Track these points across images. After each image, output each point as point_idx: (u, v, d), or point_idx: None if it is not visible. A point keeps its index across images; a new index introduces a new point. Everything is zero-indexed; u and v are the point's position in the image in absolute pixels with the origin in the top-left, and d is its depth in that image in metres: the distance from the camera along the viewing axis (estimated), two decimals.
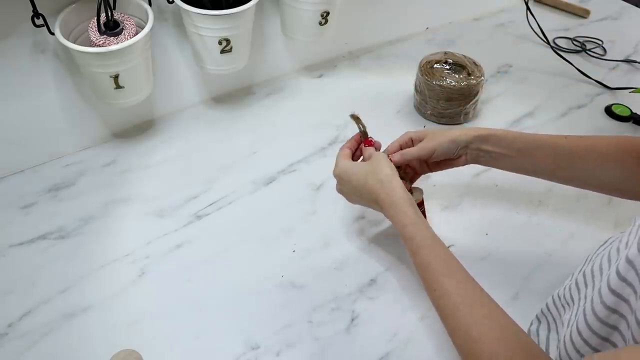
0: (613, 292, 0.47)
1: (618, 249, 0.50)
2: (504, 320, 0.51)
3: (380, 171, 0.64)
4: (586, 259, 0.59)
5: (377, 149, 0.72)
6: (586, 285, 0.54)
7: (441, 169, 0.72)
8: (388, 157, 0.68)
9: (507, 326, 0.51)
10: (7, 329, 0.64)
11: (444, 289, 0.54)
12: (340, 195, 0.73)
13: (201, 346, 0.64)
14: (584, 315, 0.51)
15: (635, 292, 0.45)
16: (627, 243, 0.48)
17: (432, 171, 0.74)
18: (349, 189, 0.69)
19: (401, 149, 0.71)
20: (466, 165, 0.70)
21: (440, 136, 0.69)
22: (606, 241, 0.58)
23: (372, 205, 0.66)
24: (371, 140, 0.71)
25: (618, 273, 0.46)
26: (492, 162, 0.69)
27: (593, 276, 0.53)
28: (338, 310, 0.68)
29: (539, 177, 0.69)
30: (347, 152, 0.71)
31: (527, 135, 0.68)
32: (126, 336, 0.64)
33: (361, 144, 0.72)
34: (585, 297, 0.52)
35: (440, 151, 0.68)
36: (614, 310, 0.47)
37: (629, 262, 0.45)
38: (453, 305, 0.53)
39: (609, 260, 0.51)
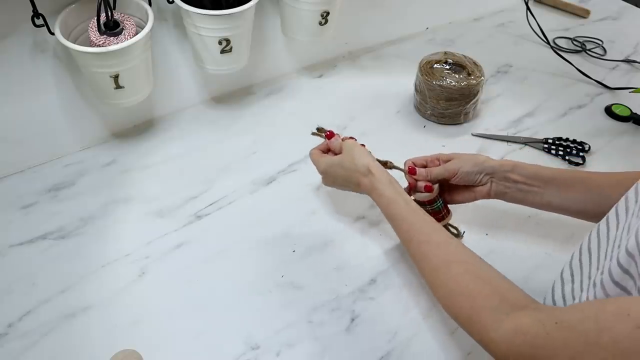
0: (617, 284, 0.46)
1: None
2: (483, 273, 0.53)
3: (356, 158, 0.67)
4: (589, 253, 0.59)
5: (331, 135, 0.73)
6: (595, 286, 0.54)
7: (465, 200, 0.71)
8: (409, 172, 0.70)
9: (486, 278, 0.53)
10: (7, 329, 0.64)
11: (424, 253, 0.58)
12: (340, 195, 0.72)
13: (201, 346, 0.64)
14: None
15: (635, 284, 0.44)
16: (627, 229, 0.48)
17: (454, 202, 0.73)
18: (334, 181, 0.71)
19: (426, 165, 0.72)
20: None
21: (465, 158, 0.69)
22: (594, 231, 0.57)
23: (358, 191, 0.69)
24: (332, 132, 0.73)
25: (620, 265, 0.46)
26: (519, 195, 0.68)
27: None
28: (338, 310, 0.68)
29: (570, 214, 0.67)
30: (318, 151, 0.74)
31: (554, 168, 0.67)
32: (126, 336, 0.64)
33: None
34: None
35: (463, 172, 0.68)
36: None
37: (629, 254, 0.45)
38: (433, 266, 0.56)
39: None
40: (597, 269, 0.51)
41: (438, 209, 0.71)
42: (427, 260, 0.57)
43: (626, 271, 0.46)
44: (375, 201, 0.66)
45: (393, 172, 0.69)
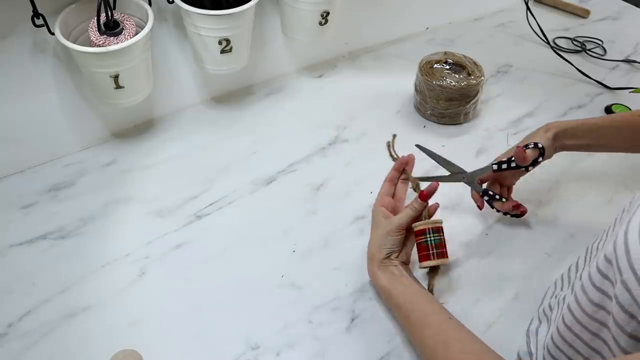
0: (598, 289, 0.47)
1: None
2: (479, 349, 0.55)
3: (370, 246, 0.68)
4: (585, 259, 0.59)
5: (430, 191, 0.67)
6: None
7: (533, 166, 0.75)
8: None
9: (482, 354, 0.55)
10: (7, 329, 0.64)
11: (423, 337, 0.59)
12: (340, 195, 0.72)
13: (201, 346, 0.64)
14: (569, 309, 0.51)
15: (614, 289, 0.45)
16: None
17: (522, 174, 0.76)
18: (371, 226, 0.71)
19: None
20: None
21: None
22: (599, 238, 0.58)
23: (369, 253, 0.68)
24: (427, 195, 0.67)
25: (599, 270, 0.47)
26: (573, 149, 0.75)
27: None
28: (338, 310, 0.68)
29: (614, 152, 0.77)
30: (386, 188, 0.73)
31: (602, 120, 0.73)
32: (126, 336, 0.64)
33: (401, 176, 0.75)
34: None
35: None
36: (601, 307, 0.47)
37: (607, 259, 0.46)
38: (431, 349, 0.57)
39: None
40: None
41: (439, 241, 0.66)
42: (426, 344, 0.58)
43: (605, 276, 0.46)
44: (376, 281, 0.66)
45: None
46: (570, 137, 0.72)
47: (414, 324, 0.60)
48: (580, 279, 0.54)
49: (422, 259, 0.66)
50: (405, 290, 0.62)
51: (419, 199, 0.67)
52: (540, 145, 0.70)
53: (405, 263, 0.67)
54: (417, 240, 0.67)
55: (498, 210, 0.75)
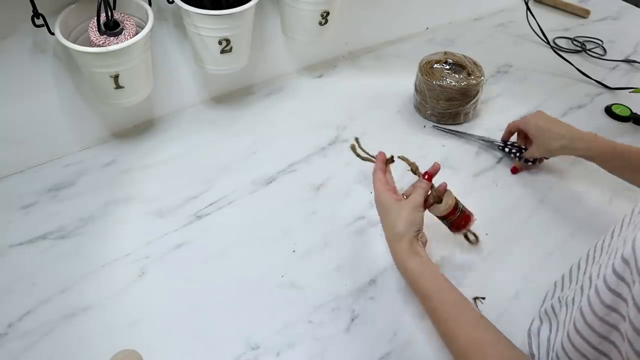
0: (612, 290, 0.47)
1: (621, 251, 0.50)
2: (511, 353, 0.55)
3: (397, 225, 0.65)
4: (587, 258, 0.59)
5: (434, 172, 0.69)
6: (590, 287, 0.54)
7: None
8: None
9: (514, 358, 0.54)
10: (7, 329, 0.64)
11: (454, 334, 0.58)
12: (340, 195, 0.72)
13: (201, 346, 0.64)
14: (581, 313, 0.51)
15: (630, 291, 0.45)
16: (624, 239, 0.49)
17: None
18: (380, 218, 0.69)
19: (510, 132, 0.88)
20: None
21: (539, 144, 0.82)
22: (606, 236, 0.58)
23: (395, 234, 0.66)
24: (429, 174, 0.69)
25: (615, 271, 0.46)
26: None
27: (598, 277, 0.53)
28: (338, 310, 0.68)
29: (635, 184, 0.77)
30: (381, 177, 0.71)
31: (630, 152, 0.75)
32: (126, 336, 0.64)
33: (388, 164, 0.74)
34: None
35: (537, 156, 0.84)
36: (613, 309, 0.47)
37: (624, 260, 0.45)
38: (462, 348, 0.57)
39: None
40: (598, 276, 0.52)
41: (459, 219, 0.68)
42: (456, 342, 0.58)
43: (621, 278, 0.46)
44: (400, 267, 0.65)
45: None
46: (603, 161, 0.77)
47: (444, 318, 0.59)
48: (590, 279, 0.54)
49: (464, 222, 0.69)
50: (434, 278, 0.61)
51: (424, 180, 0.68)
52: (541, 160, 0.85)
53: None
54: (451, 219, 0.68)
55: (527, 161, 0.86)
